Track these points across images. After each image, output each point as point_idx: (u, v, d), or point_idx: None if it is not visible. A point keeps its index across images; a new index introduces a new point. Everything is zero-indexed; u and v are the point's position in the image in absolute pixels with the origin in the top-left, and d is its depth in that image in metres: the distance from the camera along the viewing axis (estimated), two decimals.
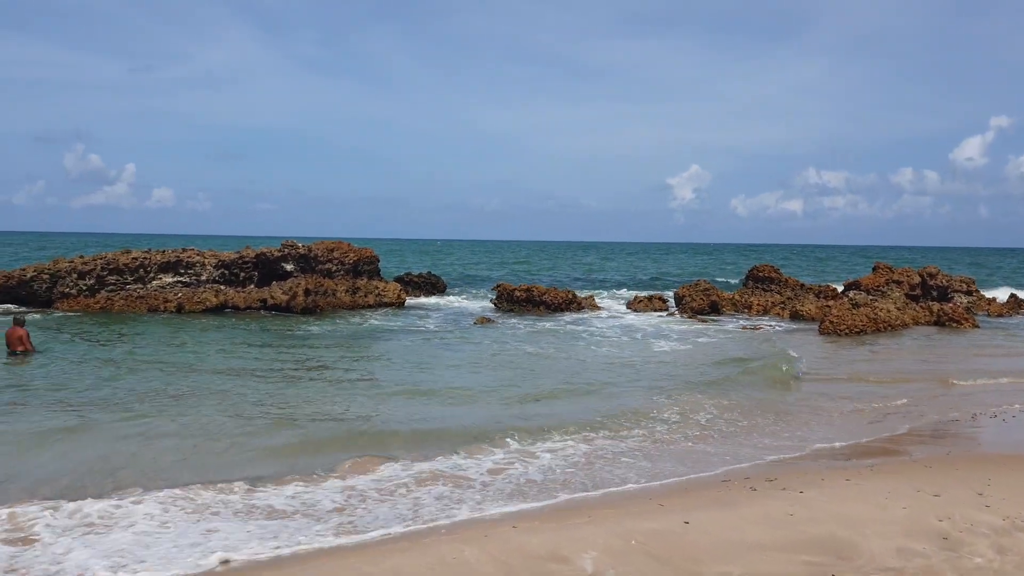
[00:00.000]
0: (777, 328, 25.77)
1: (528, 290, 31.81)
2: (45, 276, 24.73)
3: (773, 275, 34.24)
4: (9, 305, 25.13)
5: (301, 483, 8.34)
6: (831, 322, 24.75)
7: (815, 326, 25.69)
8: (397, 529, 6.98)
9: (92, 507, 7.41)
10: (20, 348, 16.53)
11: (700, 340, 22.09)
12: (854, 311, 25.62)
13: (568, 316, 28.69)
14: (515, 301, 31.53)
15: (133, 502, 7.60)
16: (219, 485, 8.17)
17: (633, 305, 32.32)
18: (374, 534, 6.87)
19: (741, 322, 27.35)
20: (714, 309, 30.23)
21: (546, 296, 31.24)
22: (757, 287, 33.81)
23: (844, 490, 7.61)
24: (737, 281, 46.99)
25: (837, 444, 10.39)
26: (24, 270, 25.22)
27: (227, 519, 7.22)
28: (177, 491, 7.95)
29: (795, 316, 28.98)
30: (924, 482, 7.93)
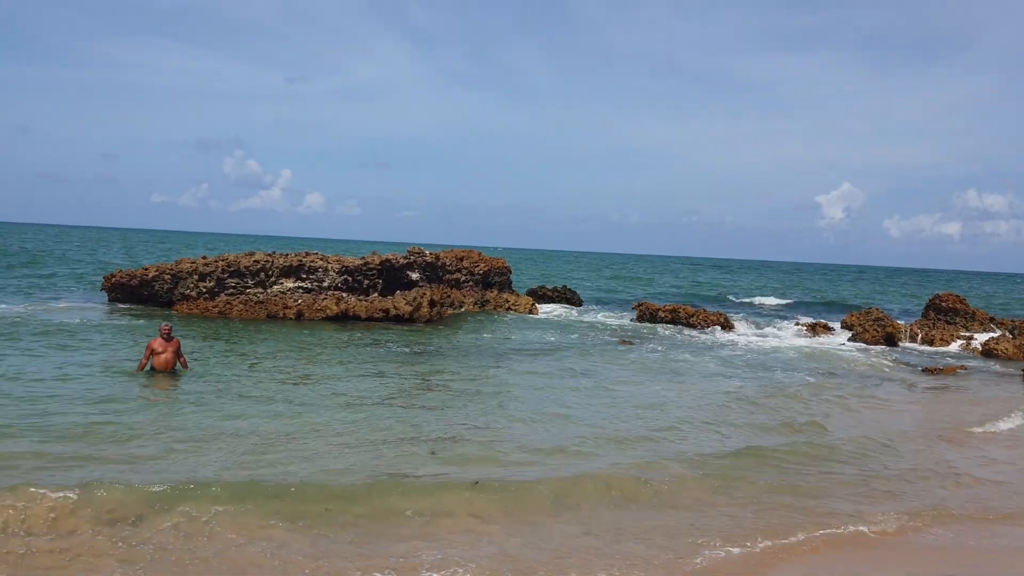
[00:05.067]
0: (974, 370, 21.66)
1: (674, 311, 28.83)
2: (167, 276, 23.87)
3: (958, 306, 29.86)
4: (132, 304, 24.56)
5: None
6: None
7: (1013, 367, 21.91)
8: None
9: None
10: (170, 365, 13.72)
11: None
12: None
13: (723, 344, 24.29)
14: (658, 321, 28.59)
15: None
16: None
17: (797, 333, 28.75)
18: None
19: (924, 358, 23.35)
20: (889, 342, 26.25)
21: (694, 319, 28.14)
22: (939, 319, 29.53)
23: None
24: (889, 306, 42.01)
25: None
26: (147, 269, 24.50)
27: None
28: None
29: (988, 354, 24.80)
30: None
